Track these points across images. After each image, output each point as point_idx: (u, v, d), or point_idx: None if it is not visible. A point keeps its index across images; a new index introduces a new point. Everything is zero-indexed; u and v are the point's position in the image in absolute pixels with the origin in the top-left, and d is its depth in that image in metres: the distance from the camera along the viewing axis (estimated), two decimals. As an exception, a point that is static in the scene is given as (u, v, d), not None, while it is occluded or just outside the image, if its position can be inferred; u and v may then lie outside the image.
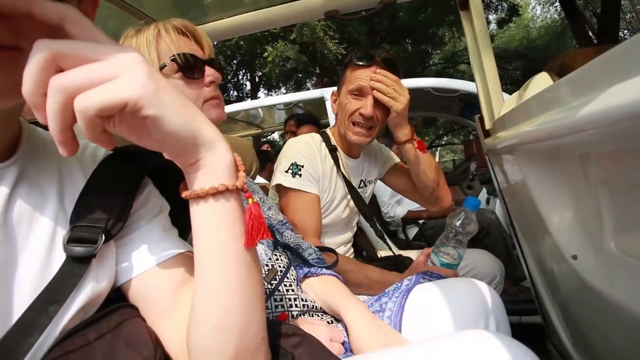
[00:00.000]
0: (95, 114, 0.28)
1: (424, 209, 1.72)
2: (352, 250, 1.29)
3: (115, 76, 0.29)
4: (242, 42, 8.20)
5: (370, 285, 1.00)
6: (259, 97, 10.15)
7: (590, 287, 0.54)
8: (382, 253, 1.37)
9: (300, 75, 10.22)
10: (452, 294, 0.76)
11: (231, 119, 3.00)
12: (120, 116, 0.31)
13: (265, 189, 1.35)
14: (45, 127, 0.30)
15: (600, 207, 0.50)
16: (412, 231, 2.28)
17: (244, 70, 11.19)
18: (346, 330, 0.72)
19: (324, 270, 0.83)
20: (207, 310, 0.37)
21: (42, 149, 0.43)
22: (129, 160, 0.46)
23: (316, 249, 0.90)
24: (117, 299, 0.42)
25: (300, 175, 1.07)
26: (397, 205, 2.30)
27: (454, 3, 1.04)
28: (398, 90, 1.01)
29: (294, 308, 0.72)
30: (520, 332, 0.67)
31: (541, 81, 0.73)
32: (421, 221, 2.24)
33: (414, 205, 2.20)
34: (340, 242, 1.23)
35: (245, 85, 11.71)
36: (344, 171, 1.16)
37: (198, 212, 0.36)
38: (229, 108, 2.65)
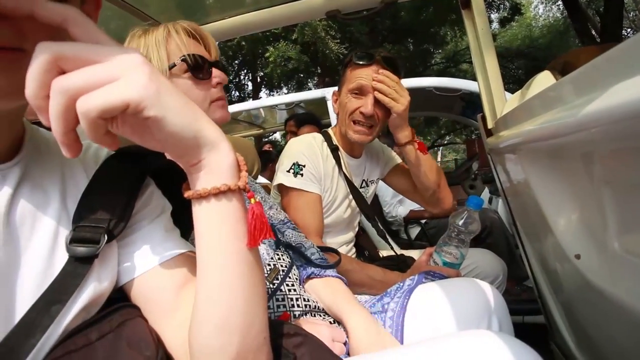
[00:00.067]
0: (97, 116, 0.29)
1: (425, 208, 1.71)
2: (354, 250, 1.29)
3: (117, 78, 0.29)
4: (243, 43, 8.21)
5: (372, 285, 1.00)
6: (261, 97, 10.16)
7: (594, 287, 0.54)
8: (384, 253, 1.37)
9: (302, 75, 10.23)
10: (454, 293, 0.76)
11: (233, 119, 3.00)
12: (122, 117, 0.31)
13: (267, 188, 1.35)
14: (48, 128, 0.30)
15: (604, 206, 0.49)
16: (414, 231, 2.27)
17: (245, 71, 11.21)
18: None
19: (328, 272, 0.83)
20: (209, 311, 0.37)
21: (45, 149, 0.43)
22: (132, 160, 0.46)
23: (318, 248, 0.90)
24: (119, 298, 0.42)
25: (302, 175, 1.07)
26: (399, 205, 2.30)
27: (455, 2, 1.04)
28: (399, 91, 1.01)
29: (296, 308, 0.72)
30: (523, 332, 0.67)
31: (544, 80, 0.73)
32: (423, 221, 2.24)
33: (416, 205, 2.19)
34: (342, 242, 1.23)
35: (247, 85, 11.74)
36: (345, 171, 1.16)
37: (200, 212, 0.37)
38: (231, 108, 2.65)
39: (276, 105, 2.78)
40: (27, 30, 0.31)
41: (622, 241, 0.49)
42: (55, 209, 0.39)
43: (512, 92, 0.98)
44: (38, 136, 0.44)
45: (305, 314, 0.73)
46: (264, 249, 0.76)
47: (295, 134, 2.31)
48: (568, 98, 0.46)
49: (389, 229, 2.30)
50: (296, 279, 0.78)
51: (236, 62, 10.33)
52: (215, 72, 0.72)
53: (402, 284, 0.85)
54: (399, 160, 1.32)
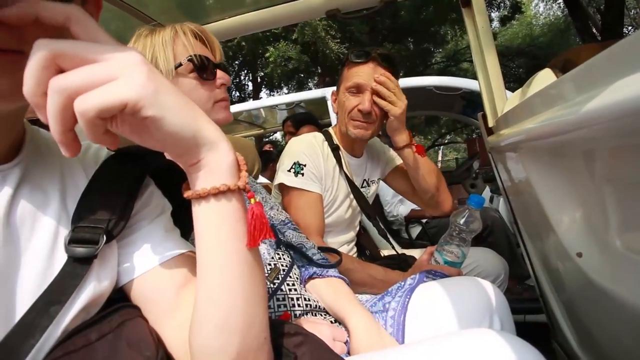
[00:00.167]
0: (95, 116, 0.28)
1: (426, 208, 1.71)
2: (355, 249, 1.29)
3: (115, 77, 0.29)
4: (244, 43, 8.21)
5: (374, 284, 1.00)
6: (261, 98, 10.16)
7: (596, 285, 0.54)
8: (385, 252, 1.37)
9: (302, 75, 10.23)
10: (455, 292, 0.76)
11: (233, 119, 2.98)
12: (121, 116, 0.31)
13: (267, 188, 1.35)
14: (48, 127, 0.30)
15: (605, 203, 0.49)
16: (415, 230, 2.27)
17: (246, 71, 11.21)
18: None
19: (330, 272, 0.83)
20: (209, 311, 0.37)
21: (45, 150, 0.43)
22: (131, 160, 0.46)
23: (319, 249, 0.90)
24: (119, 299, 0.42)
25: (302, 174, 1.07)
26: (400, 204, 2.30)
27: (455, 1, 1.03)
28: (397, 95, 1.01)
29: (296, 307, 0.72)
30: (524, 331, 0.66)
31: (544, 78, 0.72)
32: (424, 220, 2.23)
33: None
34: (343, 242, 1.23)
35: (247, 85, 11.74)
36: (346, 170, 1.16)
37: (200, 212, 0.36)
38: (232, 108, 2.64)
39: (276, 105, 2.78)
40: (27, 32, 0.31)
41: (624, 239, 0.48)
42: (55, 210, 0.39)
43: (513, 91, 0.97)
44: (38, 137, 0.44)
45: (306, 314, 0.73)
46: (264, 248, 0.76)
47: (294, 135, 2.31)
48: (569, 95, 0.46)
49: (390, 228, 2.29)
50: (297, 278, 0.78)
51: (236, 62, 10.32)
52: (219, 73, 0.74)
53: (403, 283, 0.85)
54: (399, 161, 1.32)
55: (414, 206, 2.24)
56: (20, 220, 0.36)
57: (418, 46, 10.45)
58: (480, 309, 0.73)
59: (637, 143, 0.38)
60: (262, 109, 3.00)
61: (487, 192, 2.52)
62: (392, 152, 1.33)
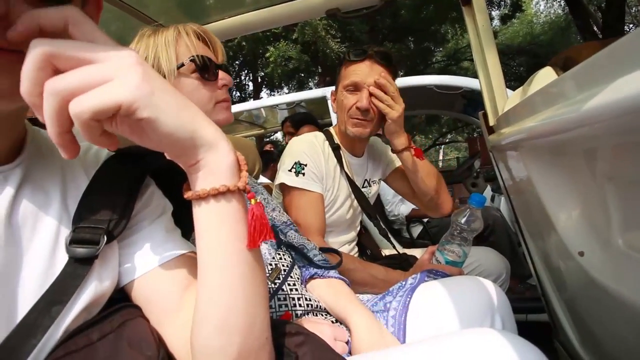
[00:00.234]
0: (90, 118, 0.28)
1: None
2: (356, 249, 1.29)
3: (110, 78, 0.29)
4: (244, 43, 8.22)
5: (375, 283, 0.99)
6: (262, 97, 10.16)
7: (598, 284, 0.54)
8: (386, 252, 1.37)
9: (303, 74, 10.24)
10: (457, 292, 0.76)
11: (234, 119, 2.99)
12: (119, 118, 0.31)
13: (268, 188, 1.35)
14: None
15: (607, 202, 0.49)
16: (416, 229, 2.27)
17: (246, 71, 11.22)
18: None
19: (331, 273, 0.83)
20: (209, 311, 0.37)
21: (46, 150, 0.43)
22: (132, 160, 0.46)
23: (320, 250, 0.90)
24: (121, 299, 0.42)
25: (303, 174, 1.07)
26: (401, 204, 2.29)
27: (456, -1, 1.03)
28: (395, 99, 1.01)
29: (297, 307, 0.72)
30: (526, 330, 0.66)
31: (545, 76, 0.72)
32: (425, 219, 2.23)
33: (417, 204, 2.19)
34: (345, 242, 1.23)
35: (248, 85, 11.76)
36: (347, 170, 1.16)
37: (200, 213, 0.36)
38: (232, 108, 2.64)
39: (277, 105, 2.78)
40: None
41: (625, 238, 0.48)
42: (56, 210, 0.40)
43: (514, 89, 0.97)
44: (39, 137, 0.44)
45: (307, 314, 0.73)
46: (265, 248, 0.76)
47: (294, 135, 2.31)
48: (570, 94, 0.46)
49: (391, 227, 2.29)
50: (298, 278, 0.78)
51: (237, 62, 10.34)
52: (221, 74, 0.74)
53: (404, 283, 0.85)
54: (399, 162, 1.32)
55: (415, 206, 2.23)
56: (22, 220, 0.36)
57: (418, 45, 10.44)
58: (481, 309, 0.73)
59: (638, 141, 0.38)
60: (262, 109, 3.00)
61: (488, 191, 2.52)
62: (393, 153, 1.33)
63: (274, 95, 11.29)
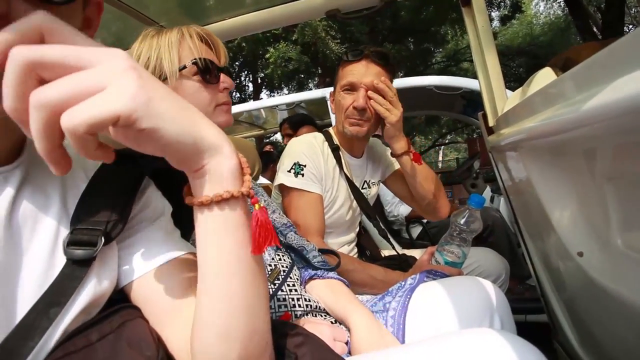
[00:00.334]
0: (85, 132, 0.26)
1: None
2: (355, 249, 1.29)
3: (103, 86, 0.26)
4: (244, 44, 8.23)
5: (374, 284, 0.99)
6: (261, 98, 10.17)
7: (597, 285, 0.54)
8: (386, 252, 1.37)
9: (303, 75, 10.25)
10: (456, 292, 0.76)
11: (234, 120, 2.99)
12: (117, 129, 0.28)
13: (268, 189, 1.35)
14: None
15: (606, 202, 0.49)
16: (416, 230, 2.27)
17: (246, 72, 11.23)
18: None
19: (330, 274, 0.83)
20: (209, 319, 0.36)
21: None
22: (131, 161, 0.46)
23: (319, 252, 0.90)
24: (120, 300, 0.42)
25: (302, 175, 1.07)
26: (400, 204, 2.29)
27: (455, 0, 1.03)
28: (394, 103, 1.01)
29: (297, 308, 0.72)
30: (526, 331, 0.66)
31: (544, 77, 0.72)
32: (425, 220, 2.23)
33: (417, 204, 2.19)
34: (344, 242, 1.23)
35: (248, 86, 11.76)
36: (346, 171, 1.16)
37: (201, 220, 0.35)
38: (232, 109, 2.65)
39: (277, 106, 2.78)
40: None
41: (625, 238, 0.48)
42: (56, 211, 0.40)
43: (513, 90, 0.97)
44: None
45: (307, 314, 0.73)
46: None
47: (292, 137, 2.31)
48: (569, 94, 0.46)
49: (391, 228, 2.29)
50: (297, 279, 0.78)
51: (237, 63, 10.34)
52: (223, 77, 0.74)
53: (403, 283, 0.85)
54: (398, 165, 1.32)
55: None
56: (22, 221, 0.36)
57: (418, 46, 10.45)
58: (480, 309, 0.73)
59: (638, 141, 0.38)
60: (262, 110, 3.00)
61: (487, 192, 2.52)
62: None
63: (273, 96, 11.30)
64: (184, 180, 0.37)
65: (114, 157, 0.31)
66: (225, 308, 0.36)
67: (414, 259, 1.20)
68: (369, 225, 1.65)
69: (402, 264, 1.18)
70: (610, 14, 6.11)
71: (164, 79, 0.69)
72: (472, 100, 2.37)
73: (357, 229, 1.32)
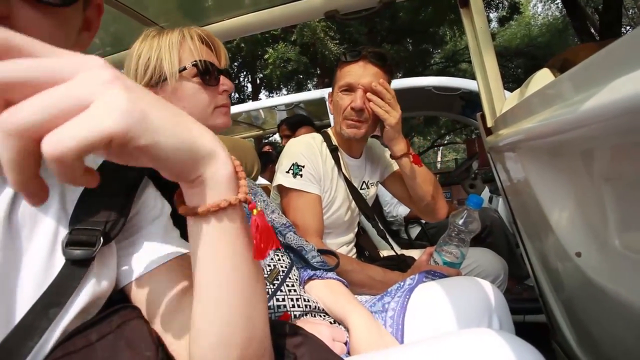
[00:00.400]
0: (75, 158, 0.22)
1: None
2: (354, 250, 1.29)
3: (87, 102, 0.23)
4: (242, 45, 8.21)
5: (373, 285, 1.00)
6: (260, 99, 10.16)
7: (595, 285, 0.54)
8: (385, 253, 1.37)
9: (301, 76, 10.24)
10: (455, 292, 0.76)
11: (233, 121, 2.99)
12: (109, 149, 0.25)
13: (267, 190, 1.35)
14: None
15: (604, 203, 0.49)
16: (415, 230, 2.27)
17: (245, 72, 11.22)
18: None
19: (329, 274, 0.83)
20: (206, 327, 0.35)
21: None
22: None
23: (318, 252, 0.90)
24: (120, 300, 0.42)
25: (301, 175, 1.07)
26: (399, 205, 2.29)
27: (454, 1, 1.04)
28: (393, 105, 1.01)
29: (296, 308, 0.72)
30: (524, 331, 0.66)
31: (542, 77, 0.72)
32: (423, 220, 2.23)
33: (416, 205, 2.19)
34: (343, 243, 1.23)
35: (247, 87, 11.75)
36: (345, 171, 1.16)
37: (197, 230, 0.34)
38: (231, 109, 2.64)
39: (276, 106, 2.78)
40: None
41: (622, 238, 0.48)
42: (55, 211, 0.39)
43: (512, 91, 0.97)
44: None
45: (306, 314, 0.73)
46: (264, 249, 0.76)
47: (290, 137, 2.31)
48: (567, 94, 0.46)
49: (389, 228, 2.29)
50: (296, 279, 0.78)
51: (235, 64, 10.33)
52: (223, 79, 0.74)
53: (402, 284, 0.85)
54: (397, 166, 1.32)
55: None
56: (21, 221, 0.36)
57: (417, 47, 10.46)
58: (479, 309, 0.73)
59: (636, 141, 0.38)
60: (261, 110, 3.00)
61: (486, 193, 2.52)
62: None
63: (272, 96, 11.29)
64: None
65: (99, 180, 0.27)
66: (220, 317, 0.35)
67: (412, 259, 1.20)
68: (368, 225, 1.66)
69: (401, 265, 1.18)
70: (607, 15, 6.14)
71: (163, 79, 0.69)
72: (471, 101, 2.38)
73: (356, 230, 1.32)
